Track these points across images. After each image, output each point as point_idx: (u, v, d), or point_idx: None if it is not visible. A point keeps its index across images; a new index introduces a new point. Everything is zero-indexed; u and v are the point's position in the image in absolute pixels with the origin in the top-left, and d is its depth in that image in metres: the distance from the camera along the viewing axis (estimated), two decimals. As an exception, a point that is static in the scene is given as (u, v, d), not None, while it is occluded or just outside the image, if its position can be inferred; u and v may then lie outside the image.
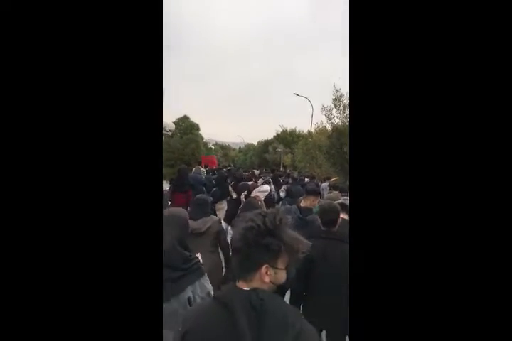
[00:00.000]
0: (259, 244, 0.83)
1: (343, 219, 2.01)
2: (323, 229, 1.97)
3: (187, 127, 23.90)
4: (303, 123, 38.82)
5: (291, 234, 0.88)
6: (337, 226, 1.95)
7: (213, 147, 35.75)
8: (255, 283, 0.85)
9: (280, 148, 27.51)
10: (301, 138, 25.34)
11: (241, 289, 0.84)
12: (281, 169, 21.57)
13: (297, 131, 31.16)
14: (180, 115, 24.49)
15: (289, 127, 32.72)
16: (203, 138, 25.50)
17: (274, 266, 0.86)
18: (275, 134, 33.24)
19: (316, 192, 3.02)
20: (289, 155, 25.58)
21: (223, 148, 50.61)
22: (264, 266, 0.85)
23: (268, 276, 0.85)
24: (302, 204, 2.93)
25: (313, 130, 19.51)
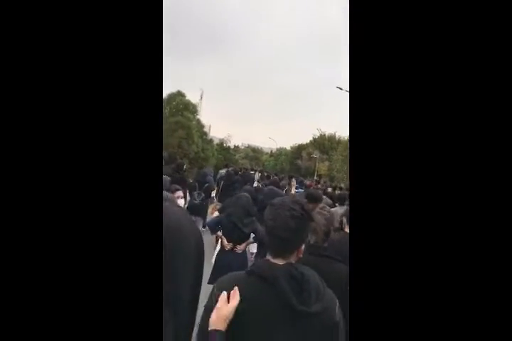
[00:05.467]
0: (303, 230, 0.98)
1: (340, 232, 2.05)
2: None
3: (177, 106, 15.11)
4: (345, 130, 34.77)
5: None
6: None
7: (229, 146, 24.83)
8: (291, 258, 0.98)
9: (315, 154, 24.49)
10: (341, 144, 22.27)
11: (278, 264, 0.95)
12: (314, 178, 18.54)
13: (337, 136, 28.04)
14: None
15: (327, 132, 29.67)
16: (203, 127, 16.95)
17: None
18: (311, 139, 30.35)
19: (318, 198, 2.84)
20: (326, 163, 22.46)
21: (255, 151, 48.35)
22: (303, 244, 1.00)
23: (302, 251, 1.01)
24: None
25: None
